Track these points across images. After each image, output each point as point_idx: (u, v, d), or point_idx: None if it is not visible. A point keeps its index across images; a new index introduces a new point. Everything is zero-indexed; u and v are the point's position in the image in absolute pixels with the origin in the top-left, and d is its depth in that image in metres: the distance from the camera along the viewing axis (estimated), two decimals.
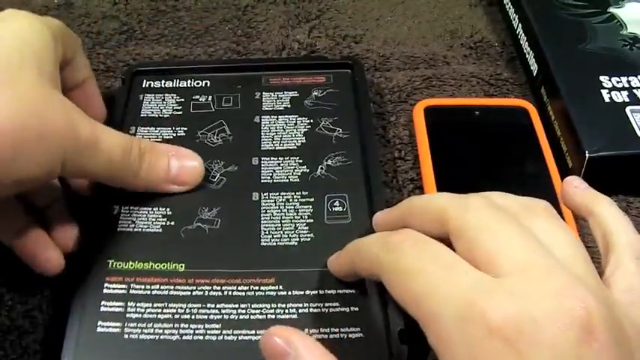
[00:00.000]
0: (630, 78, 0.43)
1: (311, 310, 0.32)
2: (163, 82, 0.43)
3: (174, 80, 0.43)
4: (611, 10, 0.48)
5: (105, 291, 0.32)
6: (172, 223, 0.35)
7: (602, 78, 0.43)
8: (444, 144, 0.41)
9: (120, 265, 0.33)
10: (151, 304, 0.32)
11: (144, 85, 0.43)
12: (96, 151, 0.31)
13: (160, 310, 0.31)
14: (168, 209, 0.36)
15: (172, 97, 0.42)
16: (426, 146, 0.41)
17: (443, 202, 0.27)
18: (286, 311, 0.31)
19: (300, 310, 0.31)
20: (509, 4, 0.52)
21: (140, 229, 0.35)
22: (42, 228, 0.34)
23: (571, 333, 0.21)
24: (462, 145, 0.42)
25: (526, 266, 0.23)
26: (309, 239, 0.35)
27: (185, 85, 0.43)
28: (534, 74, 0.46)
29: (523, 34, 0.49)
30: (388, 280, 0.26)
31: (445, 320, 0.23)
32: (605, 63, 0.44)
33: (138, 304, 0.31)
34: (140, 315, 0.31)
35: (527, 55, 0.48)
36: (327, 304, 0.32)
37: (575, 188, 0.31)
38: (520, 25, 0.50)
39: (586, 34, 0.46)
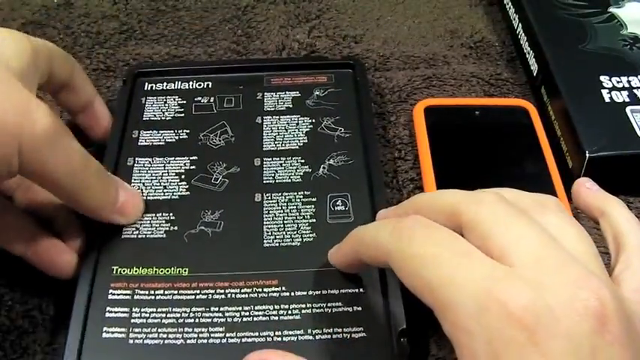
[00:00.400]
0: (630, 78, 0.43)
1: (314, 310, 0.32)
2: (165, 84, 0.43)
3: (176, 82, 0.43)
4: (611, 10, 0.48)
5: (110, 297, 0.32)
6: (176, 227, 0.35)
7: (602, 78, 0.43)
8: (444, 144, 0.41)
9: (124, 271, 0.33)
10: (155, 309, 0.32)
11: (146, 88, 0.43)
12: (56, 150, 0.29)
13: (164, 315, 0.31)
14: (171, 214, 0.36)
15: (174, 100, 0.42)
16: (426, 146, 0.41)
17: (454, 196, 0.27)
18: (289, 312, 0.32)
19: (303, 311, 0.32)
20: (510, 4, 0.52)
21: (144, 236, 0.35)
22: (52, 234, 0.34)
23: (586, 323, 0.21)
24: (462, 145, 0.42)
25: (539, 259, 0.23)
26: (311, 239, 0.35)
27: (187, 87, 0.43)
28: (534, 74, 0.47)
29: (523, 34, 0.49)
30: (399, 267, 0.25)
31: (462, 309, 0.22)
32: (605, 63, 0.44)
33: (142, 310, 0.32)
34: (145, 320, 0.31)
35: (527, 55, 0.48)
36: (329, 304, 0.32)
37: (588, 189, 0.31)
38: (520, 25, 0.50)
39: (586, 34, 0.46)
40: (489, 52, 0.51)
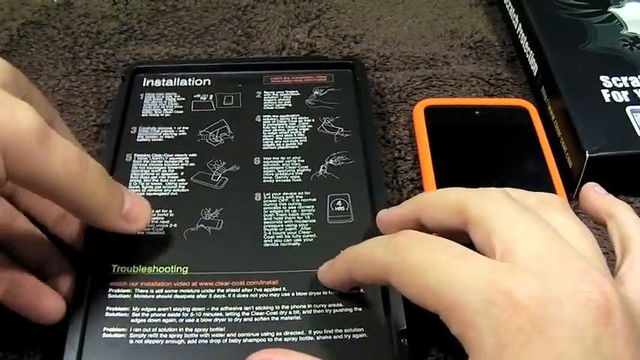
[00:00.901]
0: (630, 78, 0.43)
1: (314, 311, 0.32)
2: (164, 80, 0.43)
3: (175, 79, 0.43)
4: (612, 10, 0.48)
5: (109, 296, 0.32)
6: (175, 225, 0.35)
7: (602, 78, 0.43)
8: (444, 144, 0.41)
9: (124, 269, 0.33)
10: (155, 309, 0.31)
11: (144, 84, 0.43)
12: (47, 153, 0.25)
13: (164, 315, 0.31)
14: (170, 211, 0.36)
15: (173, 96, 0.42)
16: (426, 146, 0.41)
17: (460, 193, 0.28)
18: (289, 313, 0.31)
19: (303, 312, 0.31)
20: (510, 3, 0.52)
21: (143, 233, 0.34)
22: (36, 277, 0.31)
23: (590, 314, 0.22)
24: (462, 145, 0.42)
25: (543, 253, 0.24)
26: (311, 239, 0.35)
27: (186, 84, 0.43)
28: (534, 74, 0.47)
29: (523, 34, 0.49)
30: (399, 281, 0.25)
31: (469, 305, 0.23)
32: (605, 63, 0.44)
33: (142, 309, 0.31)
34: (145, 320, 0.31)
35: (527, 55, 0.48)
36: (330, 305, 0.32)
37: (596, 193, 0.32)
38: (520, 25, 0.50)
39: (586, 34, 0.46)
40: (489, 52, 0.51)
